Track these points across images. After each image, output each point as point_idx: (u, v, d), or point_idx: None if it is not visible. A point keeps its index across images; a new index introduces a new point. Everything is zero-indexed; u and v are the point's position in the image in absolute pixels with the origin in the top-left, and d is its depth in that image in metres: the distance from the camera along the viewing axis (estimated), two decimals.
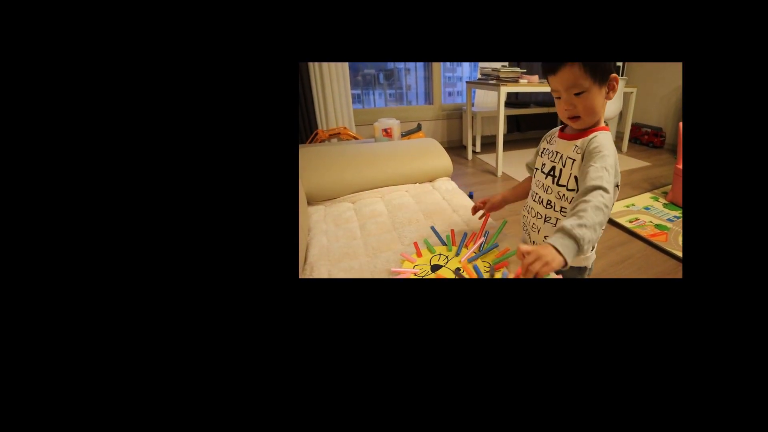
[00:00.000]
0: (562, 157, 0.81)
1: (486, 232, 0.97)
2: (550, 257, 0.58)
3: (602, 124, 0.80)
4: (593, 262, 0.90)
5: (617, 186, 0.75)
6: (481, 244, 0.92)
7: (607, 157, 0.72)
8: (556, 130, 0.88)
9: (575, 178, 0.78)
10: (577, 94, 0.74)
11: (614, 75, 0.74)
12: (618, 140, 3.81)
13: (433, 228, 0.99)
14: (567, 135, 0.82)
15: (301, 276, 0.89)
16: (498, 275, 0.78)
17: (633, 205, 2.36)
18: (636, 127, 3.91)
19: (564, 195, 0.80)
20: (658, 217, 2.18)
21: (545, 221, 0.85)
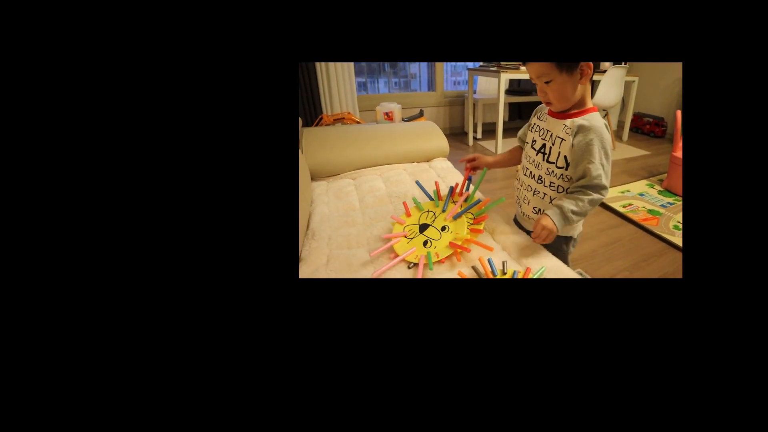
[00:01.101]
0: (551, 135, 0.86)
1: (470, 184, 1.04)
2: (552, 228, 0.80)
3: (589, 105, 0.83)
4: (579, 233, 0.98)
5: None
6: (466, 198, 1.00)
7: (602, 150, 0.78)
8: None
9: (564, 157, 0.83)
10: (546, 83, 0.79)
11: (585, 62, 0.76)
12: (619, 129, 3.84)
13: (417, 182, 1.07)
14: (557, 114, 0.85)
15: (302, 239, 0.98)
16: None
17: (628, 191, 2.42)
18: (637, 117, 3.93)
19: (553, 171, 0.86)
20: (651, 203, 2.23)
21: (534, 194, 0.92)
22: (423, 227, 0.93)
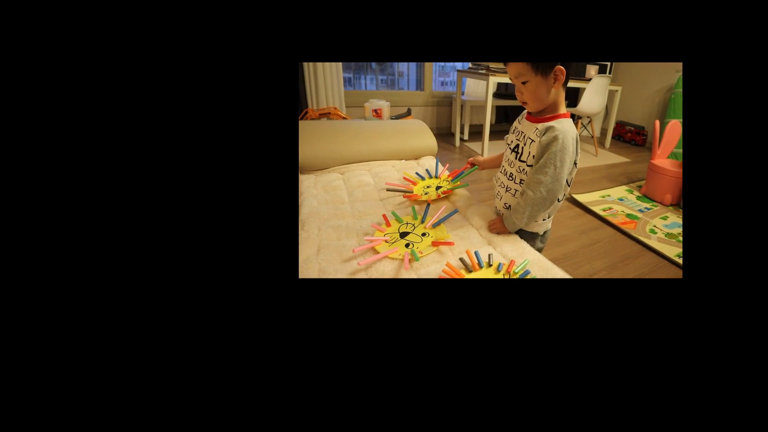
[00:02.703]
0: (525, 136, 0.93)
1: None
2: (502, 228, 0.98)
3: (562, 111, 0.89)
4: (546, 231, 1.04)
5: (575, 164, 0.88)
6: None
7: (557, 153, 0.83)
8: (526, 111, 0.98)
9: (533, 156, 0.89)
10: (523, 83, 0.85)
11: (559, 67, 0.81)
12: (602, 136, 3.94)
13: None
14: (531, 118, 0.93)
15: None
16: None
17: (608, 195, 2.49)
18: (620, 125, 4.04)
19: (524, 170, 0.92)
20: (630, 207, 2.31)
21: (506, 190, 0.99)
22: (403, 234, 0.97)
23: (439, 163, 1.40)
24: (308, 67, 2.87)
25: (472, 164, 1.24)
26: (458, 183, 1.23)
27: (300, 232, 0.97)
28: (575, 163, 0.88)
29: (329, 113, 2.54)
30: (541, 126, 0.88)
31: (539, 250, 1.03)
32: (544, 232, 1.03)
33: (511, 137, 1.00)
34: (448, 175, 1.29)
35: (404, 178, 1.32)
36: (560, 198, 0.93)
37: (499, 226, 0.98)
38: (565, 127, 0.85)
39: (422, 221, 1.02)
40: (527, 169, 0.91)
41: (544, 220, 0.99)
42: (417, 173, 1.35)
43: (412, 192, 1.22)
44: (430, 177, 1.33)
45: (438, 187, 1.23)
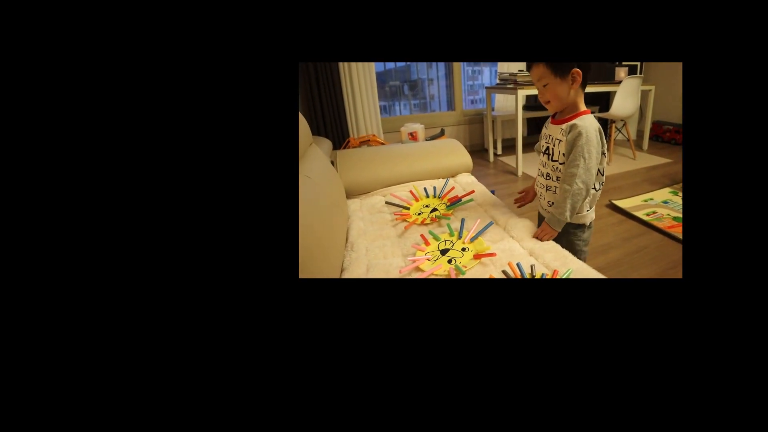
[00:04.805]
0: (553, 138, 1.04)
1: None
2: (551, 233, 1.04)
3: (582, 109, 0.99)
4: (591, 221, 1.10)
5: (604, 154, 0.98)
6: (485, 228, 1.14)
7: (583, 146, 0.94)
8: (550, 117, 1.08)
9: (563, 154, 1.00)
10: (544, 86, 0.97)
11: (576, 69, 0.93)
12: (639, 138, 3.85)
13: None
14: (556, 120, 1.04)
15: (343, 252, 1.07)
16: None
17: (651, 199, 2.42)
18: (657, 125, 3.94)
19: (558, 168, 1.02)
20: (676, 210, 2.23)
21: (547, 190, 1.09)
22: (444, 251, 1.03)
23: (448, 184, 1.48)
24: (348, 98, 3.07)
25: (521, 204, 1.28)
26: (451, 212, 1.27)
27: (350, 252, 1.06)
28: (603, 153, 0.97)
29: (369, 140, 2.68)
30: (565, 126, 0.99)
31: (586, 241, 1.11)
32: (590, 223, 1.10)
33: (541, 143, 1.10)
34: (448, 200, 1.35)
35: (410, 192, 1.43)
36: (597, 187, 1.02)
37: (547, 230, 1.04)
38: (586, 123, 0.95)
39: (459, 236, 1.08)
40: (560, 167, 1.01)
41: (587, 210, 1.06)
42: (424, 189, 1.45)
43: (408, 210, 1.31)
44: (435, 196, 1.41)
45: (434, 210, 1.30)
